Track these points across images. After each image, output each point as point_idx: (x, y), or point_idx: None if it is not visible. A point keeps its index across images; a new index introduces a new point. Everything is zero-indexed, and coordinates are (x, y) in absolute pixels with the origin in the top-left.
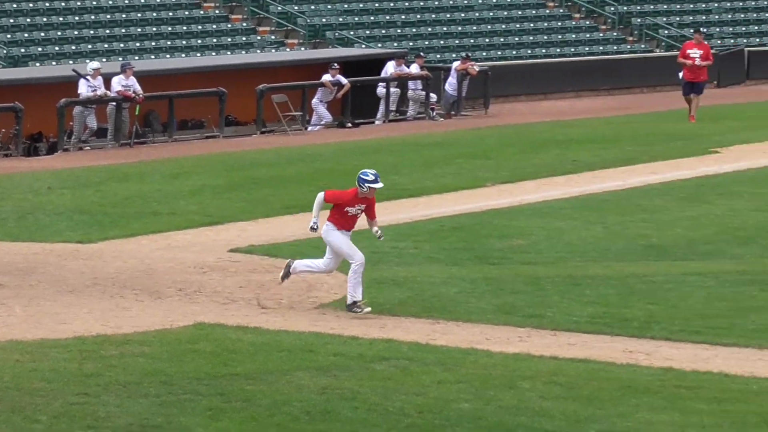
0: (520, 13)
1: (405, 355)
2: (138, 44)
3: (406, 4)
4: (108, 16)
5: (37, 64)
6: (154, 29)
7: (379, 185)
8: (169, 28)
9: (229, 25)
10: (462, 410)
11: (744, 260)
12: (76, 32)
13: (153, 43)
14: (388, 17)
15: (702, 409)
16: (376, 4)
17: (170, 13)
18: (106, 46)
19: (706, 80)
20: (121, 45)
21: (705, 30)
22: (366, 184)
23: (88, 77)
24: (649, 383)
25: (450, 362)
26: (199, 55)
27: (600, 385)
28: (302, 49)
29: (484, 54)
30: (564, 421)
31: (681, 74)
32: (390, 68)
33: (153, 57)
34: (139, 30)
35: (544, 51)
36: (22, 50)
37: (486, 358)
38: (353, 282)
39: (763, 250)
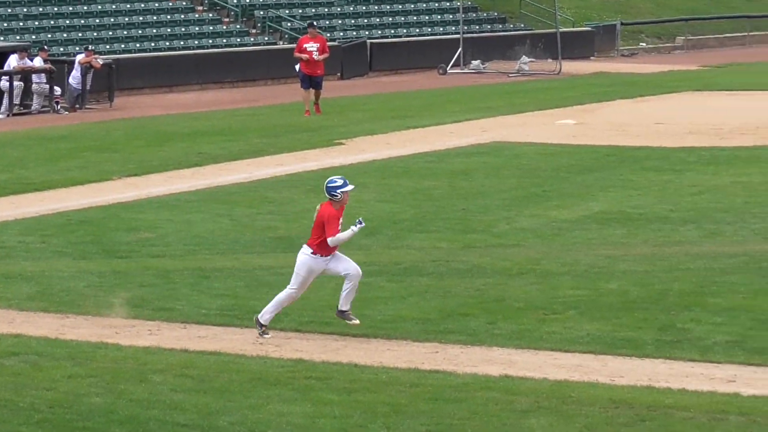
0: (143, 5)
1: (35, 350)
2: None
3: None
4: None
5: None
6: None
7: (351, 187)
8: None
9: None
10: (93, 404)
11: (371, 251)
12: None
13: None
14: (10, 10)
15: (333, 400)
16: None
17: None
18: None
19: (323, 74)
20: None
21: (326, 23)
22: (339, 190)
23: None
24: (280, 375)
25: (80, 356)
26: None
27: (231, 377)
28: None
29: (108, 47)
30: (196, 413)
31: (298, 67)
32: (13, 61)
33: None
34: None
35: (167, 44)
36: None
37: (116, 351)
38: (348, 291)
39: (390, 241)
